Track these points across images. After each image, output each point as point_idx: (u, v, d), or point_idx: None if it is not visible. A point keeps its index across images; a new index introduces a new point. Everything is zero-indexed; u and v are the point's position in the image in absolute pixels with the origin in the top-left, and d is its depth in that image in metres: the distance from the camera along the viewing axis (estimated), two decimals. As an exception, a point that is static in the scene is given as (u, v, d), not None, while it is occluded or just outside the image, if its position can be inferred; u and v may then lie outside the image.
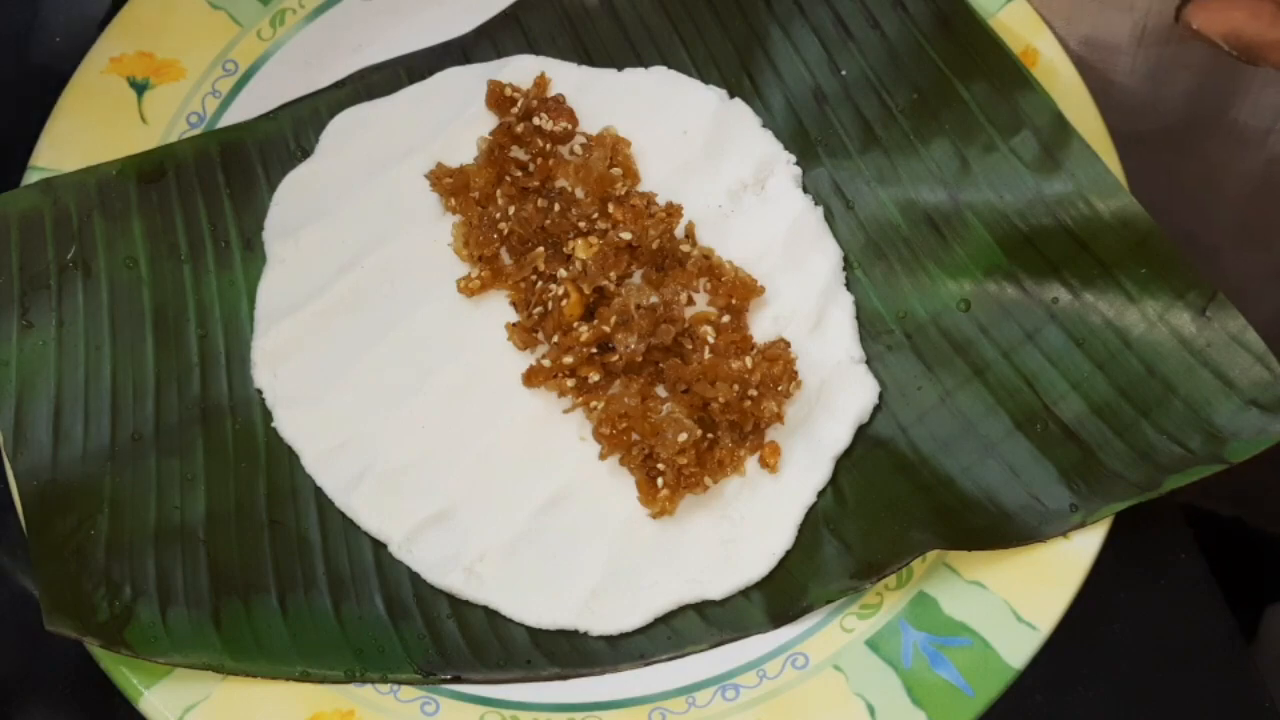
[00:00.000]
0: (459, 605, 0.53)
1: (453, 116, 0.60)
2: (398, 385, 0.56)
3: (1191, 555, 0.58)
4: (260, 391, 0.57)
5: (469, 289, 0.57)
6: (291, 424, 0.56)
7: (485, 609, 0.53)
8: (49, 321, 0.56)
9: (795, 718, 0.50)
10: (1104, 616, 0.56)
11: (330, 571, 0.54)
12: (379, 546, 0.54)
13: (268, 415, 0.56)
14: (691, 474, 0.53)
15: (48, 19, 0.68)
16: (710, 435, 0.54)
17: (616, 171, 0.58)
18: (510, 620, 0.53)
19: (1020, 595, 0.51)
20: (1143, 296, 0.54)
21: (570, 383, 0.55)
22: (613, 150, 0.59)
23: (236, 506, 0.54)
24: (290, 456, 0.56)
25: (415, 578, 0.53)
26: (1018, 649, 0.50)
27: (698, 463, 0.53)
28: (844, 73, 0.60)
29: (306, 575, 0.53)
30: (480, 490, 0.54)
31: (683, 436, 0.52)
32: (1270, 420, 0.52)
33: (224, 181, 0.60)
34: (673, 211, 0.58)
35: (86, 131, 0.60)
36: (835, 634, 0.52)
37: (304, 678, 0.51)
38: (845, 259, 0.58)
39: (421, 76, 0.62)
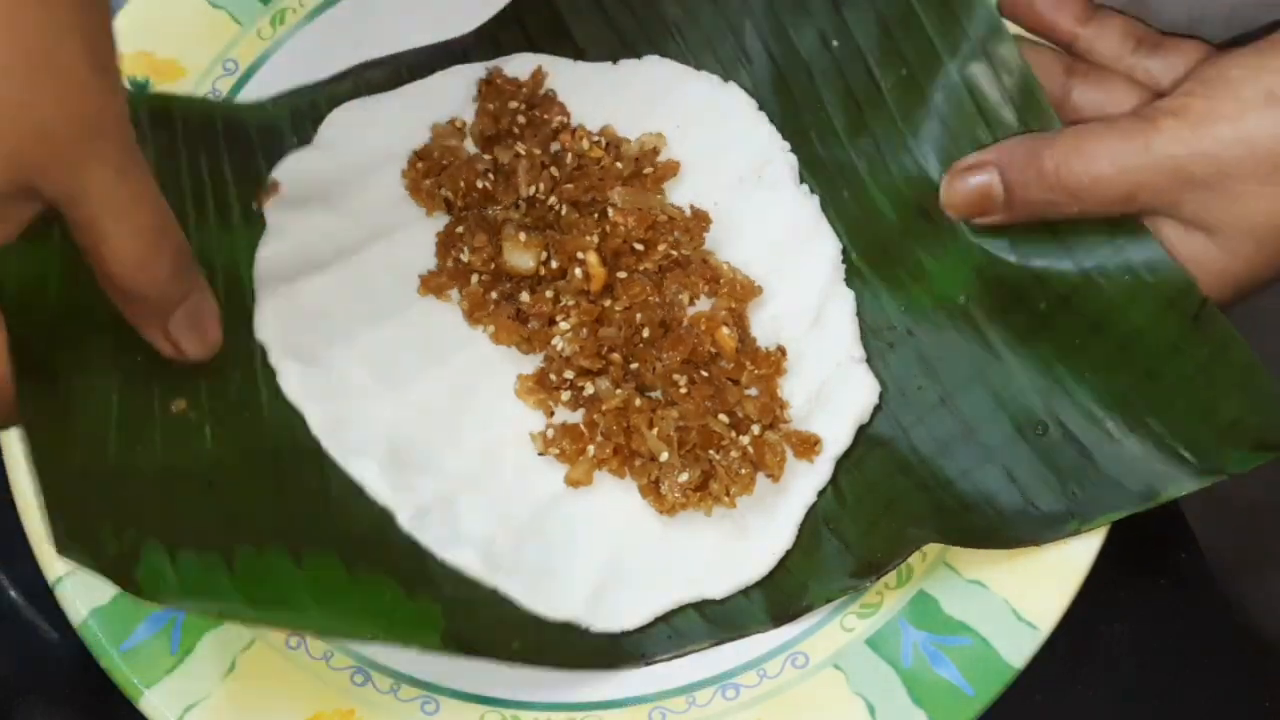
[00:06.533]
0: (467, 584, 0.52)
1: (453, 114, 0.60)
2: (406, 368, 0.55)
3: (1191, 555, 0.58)
4: (264, 346, 0.55)
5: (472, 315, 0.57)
6: (297, 384, 0.54)
7: (494, 591, 0.52)
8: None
9: (795, 717, 0.50)
10: (1104, 616, 0.56)
11: (341, 532, 0.52)
12: (389, 516, 0.53)
13: (270, 371, 0.54)
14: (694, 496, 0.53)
15: (48, 19, 0.68)
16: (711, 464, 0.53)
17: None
18: (518, 606, 0.52)
19: (1020, 595, 0.51)
20: (1133, 306, 0.53)
21: (566, 395, 0.55)
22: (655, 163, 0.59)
23: (242, 456, 0.52)
24: (295, 416, 0.54)
25: (426, 552, 0.52)
26: (1018, 648, 0.50)
27: (698, 500, 0.53)
28: (835, 44, 0.59)
29: (318, 532, 0.51)
30: (485, 481, 0.54)
31: (684, 478, 0.52)
32: (1269, 433, 0.50)
33: (225, 149, 0.58)
34: (699, 218, 0.58)
35: (86, 131, 0.60)
36: (835, 633, 0.52)
37: (327, 633, 0.49)
38: (845, 253, 0.58)
39: (422, 74, 0.62)
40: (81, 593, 0.51)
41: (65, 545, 0.46)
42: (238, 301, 0.56)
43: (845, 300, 0.57)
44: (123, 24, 0.61)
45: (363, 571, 0.51)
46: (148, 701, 0.50)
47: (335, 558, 0.51)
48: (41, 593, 0.51)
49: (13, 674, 0.56)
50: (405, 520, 0.53)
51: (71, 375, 0.50)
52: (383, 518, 0.53)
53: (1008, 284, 0.55)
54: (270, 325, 0.55)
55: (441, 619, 0.51)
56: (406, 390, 0.55)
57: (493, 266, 0.57)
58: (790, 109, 0.60)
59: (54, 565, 0.51)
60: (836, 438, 0.55)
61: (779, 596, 0.52)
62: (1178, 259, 0.50)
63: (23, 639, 0.56)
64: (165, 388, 0.52)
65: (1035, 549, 0.51)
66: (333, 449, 0.54)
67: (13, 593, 0.57)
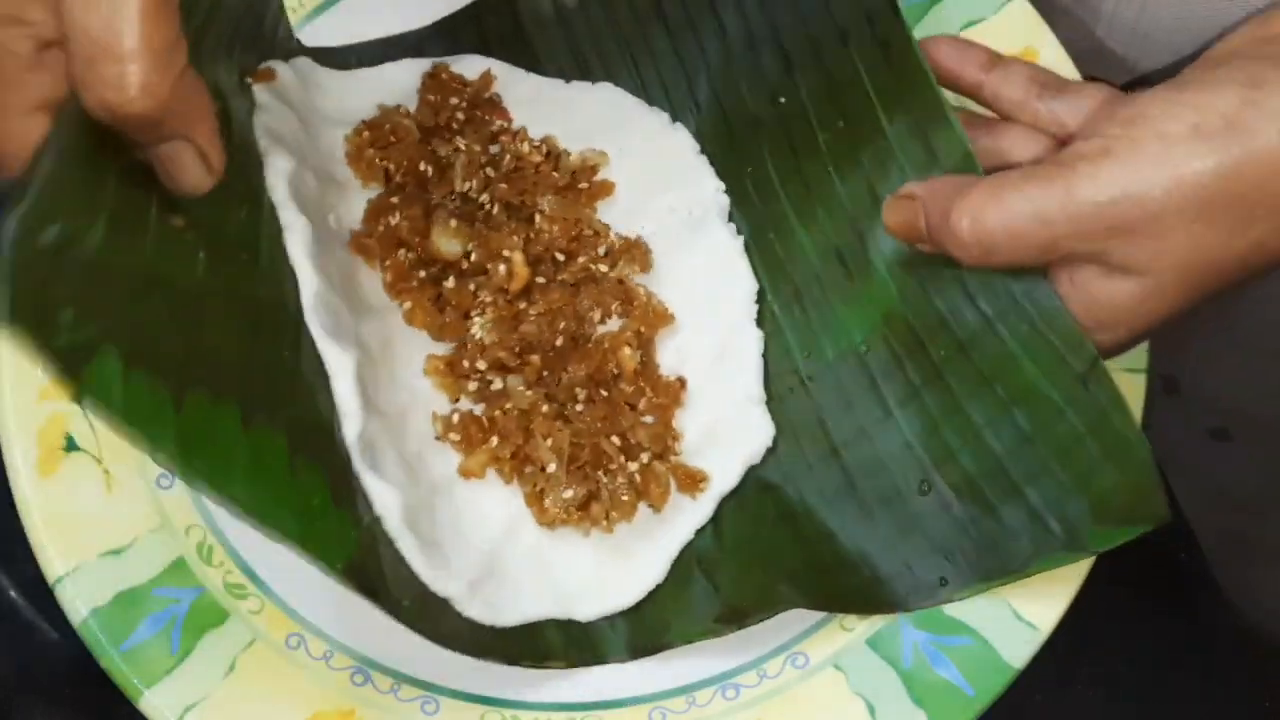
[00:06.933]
0: (379, 525, 0.50)
1: (400, 103, 0.60)
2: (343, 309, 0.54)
3: (1191, 555, 0.58)
4: (273, 201, 0.52)
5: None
6: (303, 245, 0.52)
7: (393, 544, 0.50)
8: None
9: (795, 717, 0.50)
10: (1104, 616, 0.56)
11: (295, 416, 0.49)
12: (336, 422, 0.51)
13: (276, 224, 0.52)
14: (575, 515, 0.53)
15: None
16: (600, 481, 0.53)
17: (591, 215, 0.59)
18: (409, 566, 0.50)
19: (1020, 595, 0.51)
20: (1028, 357, 0.50)
21: (473, 386, 0.54)
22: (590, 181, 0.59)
23: (227, 293, 0.49)
24: (288, 279, 0.52)
25: (356, 475, 0.50)
26: (1018, 649, 0.50)
27: (578, 519, 0.53)
28: (782, 100, 0.58)
29: (274, 405, 0.48)
30: (400, 444, 0.53)
31: (568, 494, 0.52)
32: (1140, 507, 0.48)
33: (241, 15, 0.55)
34: (639, 248, 0.58)
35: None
36: (835, 633, 0.52)
37: (247, 511, 0.45)
38: (762, 294, 0.57)
39: (374, 63, 0.62)
40: (81, 593, 0.51)
41: (14, 318, 0.41)
42: (248, 145, 0.53)
43: (753, 340, 0.56)
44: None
45: (301, 463, 0.48)
46: (148, 701, 0.50)
47: (283, 439, 0.47)
48: (41, 593, 0.51)
49: (13, 674, 0.56)
50: (350, 433, 0.50)
51: (71, 140, 0.44)
52: (332, 421, 0.51)
53: (911, 329, 0.53)
54: (281, 186, 0.53)
55: (355, 546, 0.48)
56: (355, 323, 0.54)
57: (418, 244, 0.56)
58: (731, 155, 0.60)
59: (54, 565, 0.51)
60: (724, 476, 0.54)
61: (641, 629, 0.52)
62: (1097, 304, 0.47)
63: (23, 639, 0.56)
64: (166, 199, 0.47)
65: None
66: (316, 326, 0.51)
67: (13, 593, 0.57)
